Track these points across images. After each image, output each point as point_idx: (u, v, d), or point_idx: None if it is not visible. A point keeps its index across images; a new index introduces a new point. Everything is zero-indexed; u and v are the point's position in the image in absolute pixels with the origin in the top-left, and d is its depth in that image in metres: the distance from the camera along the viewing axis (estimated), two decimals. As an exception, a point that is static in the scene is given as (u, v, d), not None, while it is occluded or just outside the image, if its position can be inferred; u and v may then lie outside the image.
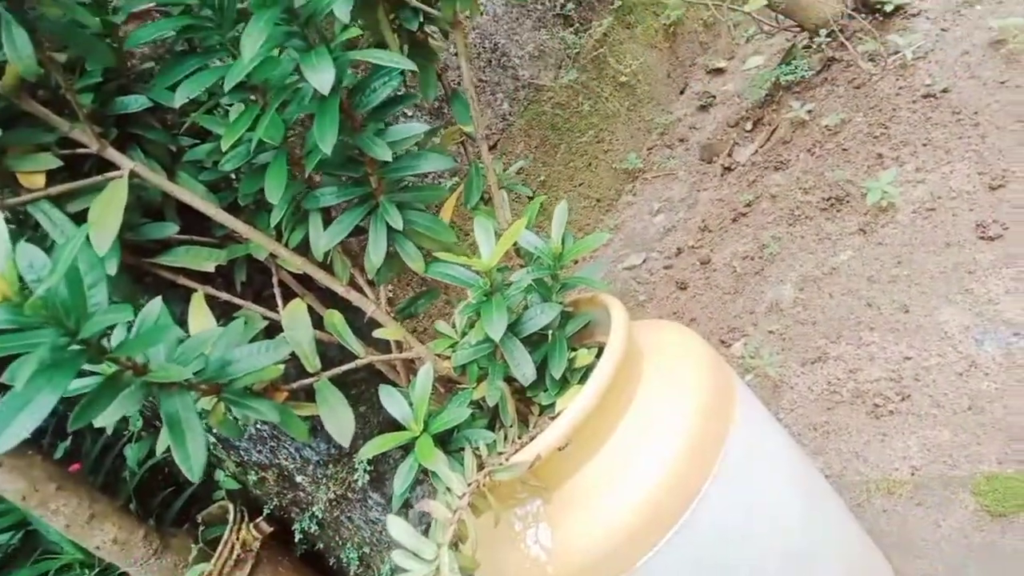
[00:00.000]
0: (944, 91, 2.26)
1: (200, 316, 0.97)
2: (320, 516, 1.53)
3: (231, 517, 1.59)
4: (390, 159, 0.89)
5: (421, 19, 1.14)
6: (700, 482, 0.97)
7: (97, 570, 1.61)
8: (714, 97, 3.29)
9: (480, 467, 0.98)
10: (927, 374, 1.62)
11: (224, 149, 0.91)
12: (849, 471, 1.58)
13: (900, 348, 1.72)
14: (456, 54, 1.61)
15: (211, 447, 1.53)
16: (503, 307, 0.97)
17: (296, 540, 1.63)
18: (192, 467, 0.76)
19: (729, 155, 2.89)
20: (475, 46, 2.67)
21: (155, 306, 0.76)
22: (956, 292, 1.73)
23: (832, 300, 2.01)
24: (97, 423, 0.81)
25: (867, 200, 2.09)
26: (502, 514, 1.07)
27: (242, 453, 1.50)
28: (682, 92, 3.50)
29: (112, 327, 0.82)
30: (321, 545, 1.72)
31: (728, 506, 0.99)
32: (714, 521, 0.97)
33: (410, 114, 2.16)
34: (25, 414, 0.63)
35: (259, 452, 1.46)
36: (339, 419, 0.93)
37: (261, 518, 1.63)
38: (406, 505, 1.43)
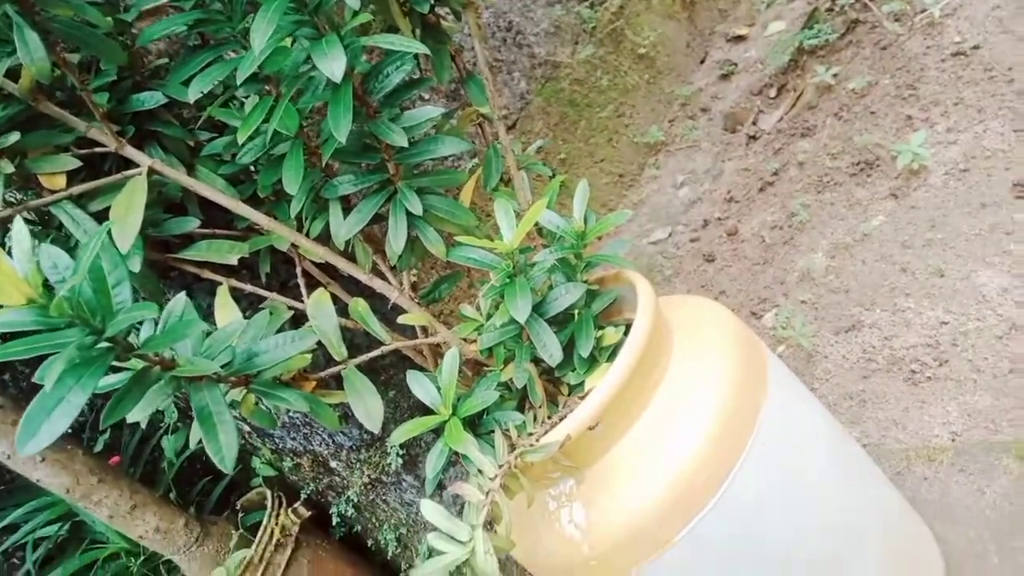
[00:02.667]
0: (975, 48, 2.18)
1: (226, 309, 0.98)
2: (356, 499, 1.55)
3: (269, 503, 1.62)
4: (406, 145, 0.88)
5: (432, 1, 1.12)
6: (735, 457, 0.96)
7: (142, 558, 1.65)
8: (736, 65, 3.22)
9: (511, 448, 0.98)
10: (965, 338, 1.58)
11: (240, 141, 0.91)
12: (888, 439, 1.55)
13: (936, 313, 1.68)
14: (469, 35, 1.59)
15: (246, 436, 1.56)
16: (527, 289, 0.96)
17: (334, 524, 1.65)
18: (224, 458, 0.77)
19: (753, 123, 2.84)
20: (489, 25, 2.64)
21: (180, 301, 0.76)
22: (993, 254, 1.68)
23: (865, 267, 1.96)
24: (130, 418, 0.82)
25: (898, 163, 2.03)
26: (535, 494, 1.07)
27: (276, 441, 1.52)
28: (702, 62, 3.43)
29: (139, 324, 0.83)
30: (359, 527, 1.75)
31: (764, 480, 0.98)
32: (750, 496, 0.96)
33: (426, 98, 2.15)
34: (58, 412, 0.64)
35: (293, 439, 1.47)
36: (367, 406, 0.94)
37: (299, 503, 1.65)
38: (440, 487, 1.44)
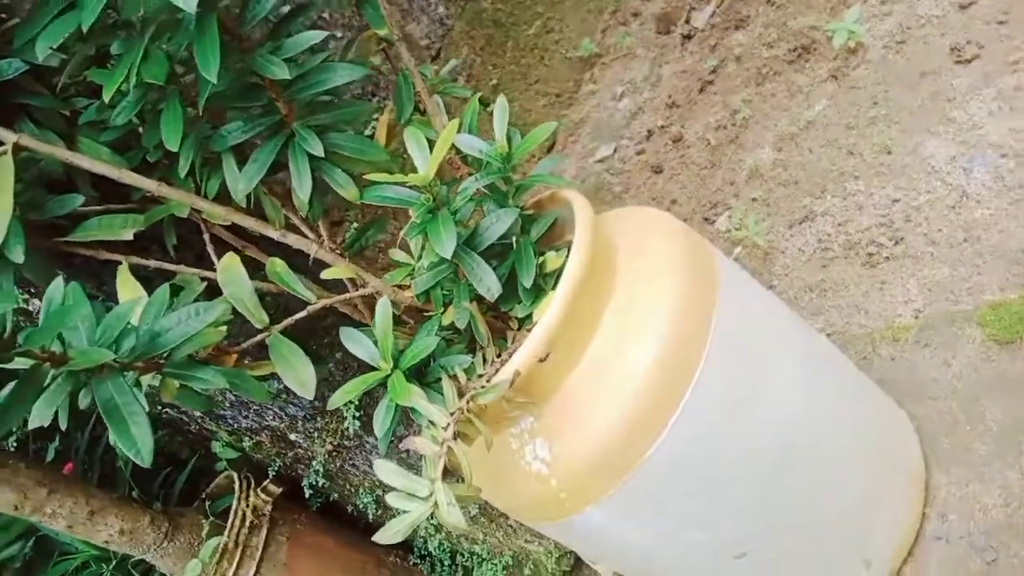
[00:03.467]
0: (900, -90, 2.09)
1: (128, 289, 0.89)
2: (324, 469, 1.50)
3: (237, 486, 1.56)
4: (290, 77, 0.78)
5: (306, -86, 1.00)
6: (692, 368, 0.91)
7: (114, 563, 1.59)
8: (661, -36, 3.08)
9: (461, 394, 0.92)
10: (918, 213, 1.55)
11: (107, 99, 0.80)
12: (852, 325, 1.53)
13: (887, 191, 1.65)
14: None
15: (198, 421, 1.48)
16: (450, 222, 0.89)
17: (307, 496, 1.60)
18: (140, 452, 0.70)
19: (687, 22, 2.73)
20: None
21: (57, 288, 0.68)
22: (937, 123, 1.64)
23: (812, 155, 1.91)
24: (33, 423, 0.74)
25: (834, 43, 1.96)
26: (494, 437, 1.02)
27: (230, 421, 1.45)
28: (627, -35, 3.28)
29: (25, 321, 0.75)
30: (335, 495, 1.70)
31: (725, 387, 0.94)
32: (712, 405, 0.92)
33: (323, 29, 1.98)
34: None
35: (245, 418, 1.40)
36: (296, 372, 0.87)
37: (268, 481, 1.59)
38: (398, 443, 1.39)
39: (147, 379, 0.80)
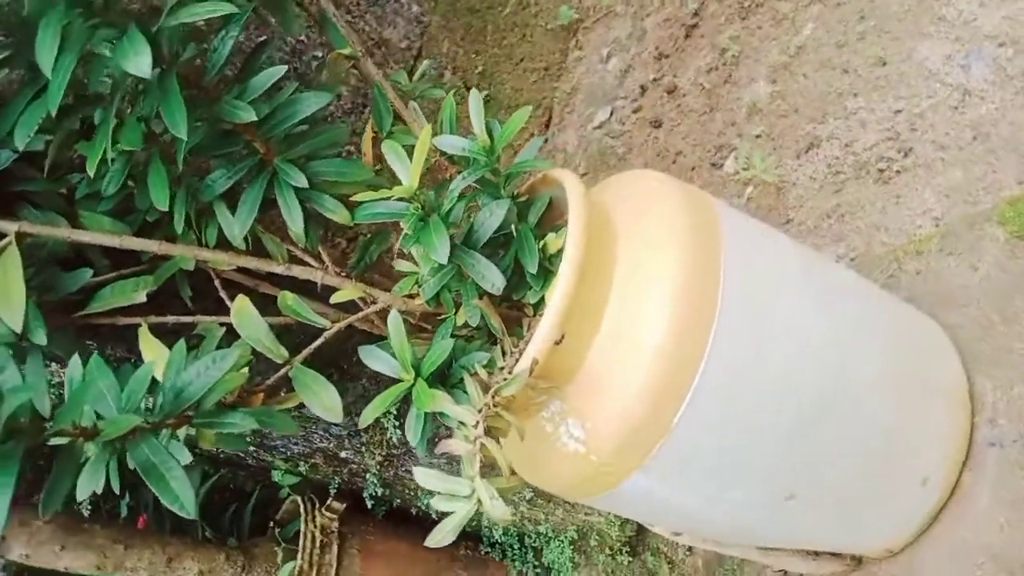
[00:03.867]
0: None
1: (150, 350, 0.92)
2: (380, 479, 1.53)
3: (302, 508, 1.61)
4: (257, 118, 0.80)
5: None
6: (707, 324, 0.91)
7: (200, 601, 1.66)
8: (625, -86, 3.02)
9: (485, 390, 0.94)
10: (922, 120, 1.51)
11: (91, 173, 0.83)
12: (874, 245, 1.50)
13: (888, 104, 1.60)
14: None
15: (253, 456, 1.53)
16: (441, 227, 0.90)
17: (370, 506, 1.65)
18: (184, 505, 0.73)
19: (659, -30, 2.68)
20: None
21: (75, 365, 0.71)
22: (928, 24, 1.58)
23: (807, 81, 1.87)
24: (81, 496, 0.77)
25: (811, -39, 1.91)
26: (529, 423, 1.03)
27: (283, 450, 1.49)
28: (592, -78, 3.22)
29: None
30: (398, 500, 1.74)
31: (745, 336, 0.93)
32: (735, 356, 0.92)
33: (289, 60, 1.99)
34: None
35: (296, 444, 1.45)
36: (321, 399, 0.89)
37: (331, 499, 1.64)
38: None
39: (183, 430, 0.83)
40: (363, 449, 1.43)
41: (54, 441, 0.71)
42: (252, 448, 1.48)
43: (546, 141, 2.83)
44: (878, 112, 1.61)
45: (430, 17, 2.59)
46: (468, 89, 2.69)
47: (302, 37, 2.19)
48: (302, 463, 1.56)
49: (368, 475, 1.51)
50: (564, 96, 2.81)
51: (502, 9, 2.78)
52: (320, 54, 2.15)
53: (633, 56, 2.66)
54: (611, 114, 2.61)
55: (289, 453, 1.49)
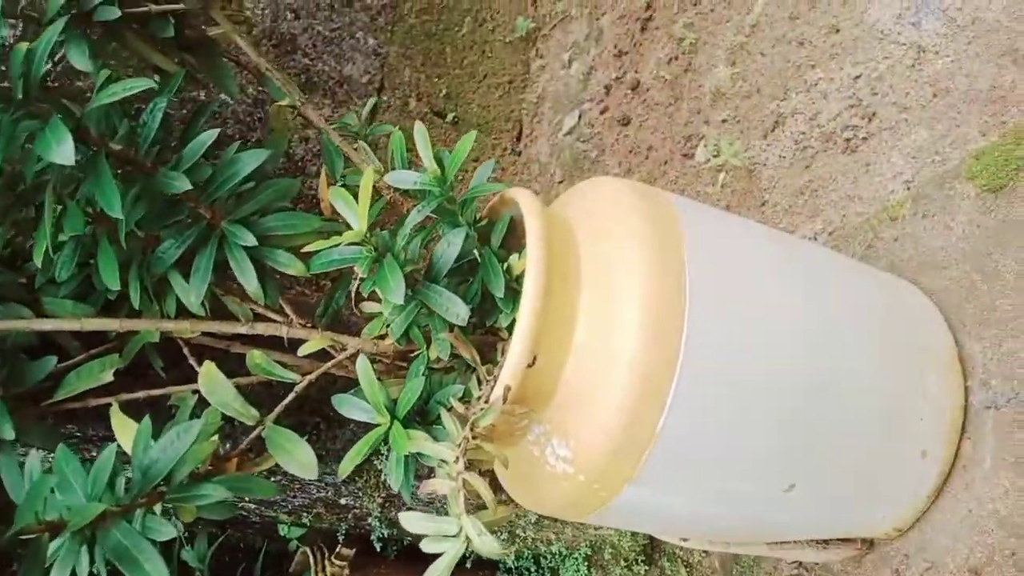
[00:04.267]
0: None
1: (123, 429, 0.91)
2: (383, 520, 1.52)
3: (311, 559, 1.59)
4: (190, 186, 0.79)
5: (173, 21, 1.01)
6: (678, 323, 0.89)
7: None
8: (568, -82, 3.02)
9: (463, 423, 0.92)
10: (882, 83, 1.49)
11: (37, 262, 0.83)
12: (849, 216, 1.48)
13: (847, 71, 1.59)
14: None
15: (255, 514, 1.52)
16: (395, 267, 0.89)
17: (379, 549, 1.63)
18: (161, 584, 0.72)
19: (607, -32, 2.67)
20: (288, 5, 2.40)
21: (33, 462, 0.70)
22: (875, -15, 1.57)
23: (765, 58, 1.86)
24: (63, 588, 0.76)
25: (751, -61, 1.90)
26: (515, 449, 1.02)
27: (283, 504, 1.48)
28: (537, -70, 3.22)
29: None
30: (407, 539, 1.72)
31: (720, 332, 0.92)
32: (711, 355, 0.90)
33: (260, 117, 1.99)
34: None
35: (294, 498, 1.44)
36: (295, 457, 0.88)
37: (340, 546, 1.62)
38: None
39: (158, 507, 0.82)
40: (361, 494, 1.42)
41: (24, 536, 0.70)
42: (253, 506, 1.47)
43: (519, 154, 2.82)
44: (837, 80, 1.60)
45: (387, 48, 2.59)
46: (436, 115, 2.69)
47: (261, 87, 2.19)
48: (305, 514, 1.54)
49: (371, 518, 1.50)
50: (531, 106, 2.81)
51: (459, 30, 2.78)
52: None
53: (593, 57, 2.66)
54: (579, 118, 2.61)
55: (290, 507, 1.48)
